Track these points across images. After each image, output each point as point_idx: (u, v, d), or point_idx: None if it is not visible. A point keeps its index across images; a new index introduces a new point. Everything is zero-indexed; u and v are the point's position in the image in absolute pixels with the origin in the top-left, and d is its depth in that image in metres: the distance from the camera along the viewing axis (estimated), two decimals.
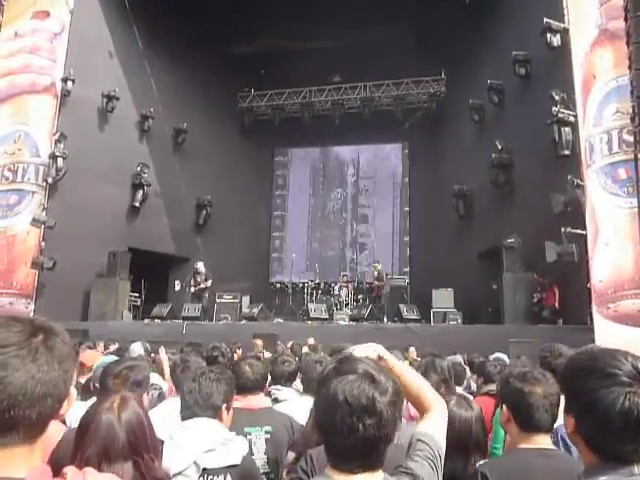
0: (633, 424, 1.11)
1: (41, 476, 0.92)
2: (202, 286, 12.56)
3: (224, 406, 2.18)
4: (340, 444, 1.22)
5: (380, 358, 1.48)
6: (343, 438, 1.20)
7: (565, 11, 9.81)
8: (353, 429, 1.19)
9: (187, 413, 2.13)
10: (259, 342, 7.88)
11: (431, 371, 3.08)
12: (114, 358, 3.49)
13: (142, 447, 1.56)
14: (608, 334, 8.17)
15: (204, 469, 1.95)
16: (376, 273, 13.55)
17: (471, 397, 2.77)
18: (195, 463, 1.94)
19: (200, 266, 12.74)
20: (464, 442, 2.07)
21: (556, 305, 9.96)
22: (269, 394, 3.34)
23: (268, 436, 2.54)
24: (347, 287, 14.06)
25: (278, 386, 3.41)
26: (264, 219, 18.29)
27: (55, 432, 2.00)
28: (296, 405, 3.05)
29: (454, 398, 2.29)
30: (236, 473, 1.99)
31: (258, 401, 2.76)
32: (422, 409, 1.51)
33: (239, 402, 2.58)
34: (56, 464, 1.02)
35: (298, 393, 3.50)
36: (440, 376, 2.79)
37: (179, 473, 1.92)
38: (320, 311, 11.95)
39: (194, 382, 2.18)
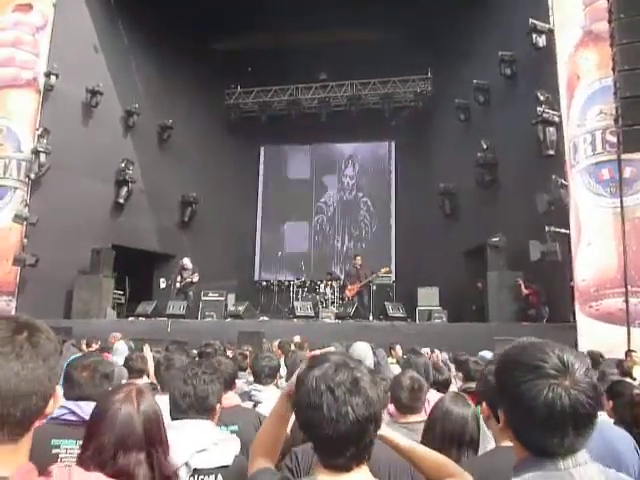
0: (556, 416, 1.09)
1: (27, 474, 0.91)
2: (189, 280, 12.46)
3: (218, 406, 2.17)
4: (330, 434, 1.20)
5: (382, 437, 1.47)
6: (333, 427, 1.20)
7: (550, 12, 9.90)
8: (342, 414, 1.20)
9: (181, 416, 2.10)
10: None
11: (409, 370, 3.16)
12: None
13: (156, 440, 1.58)
14: (591, 332, 8.29)
15: (195, 469, 1.93)
16: (358, 266, 12.76)
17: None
18: (186, 464, 1.93)
19: (187, 262, 12.64)
20: (459, 437, 2.12)
21: (538, 303, 10.10)
22: (249, 397, 3.29)
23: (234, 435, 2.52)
24: (332, 285, 14.03)
25: (258, 386, 3.36)
26: (250, 216, 18.22)
27: None
28: None
29: (450, 395, 2.32)
30: (227, 473, 1.97)
31: (225, 399, 2.73)
32: (445, 475, 1.51)
33: None
34: None
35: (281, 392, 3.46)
36: (409, 379, 2.80)
37: None
38: (306, 309, 11.95)
39: (187, 385, 2.12)
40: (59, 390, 1.00)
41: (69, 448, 2.00)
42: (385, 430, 1.50)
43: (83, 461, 1.49)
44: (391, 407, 2.79)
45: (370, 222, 17.73)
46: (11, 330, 0.92)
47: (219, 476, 1.97)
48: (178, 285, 12.56)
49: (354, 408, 1.20)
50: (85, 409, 2.05)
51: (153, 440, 1.57)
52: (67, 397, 2.17)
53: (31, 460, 0.96)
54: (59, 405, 2.14)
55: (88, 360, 2.32)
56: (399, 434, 1.56)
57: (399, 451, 1.54)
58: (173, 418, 2.10)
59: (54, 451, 1.98)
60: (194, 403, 2.09)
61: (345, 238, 17.85)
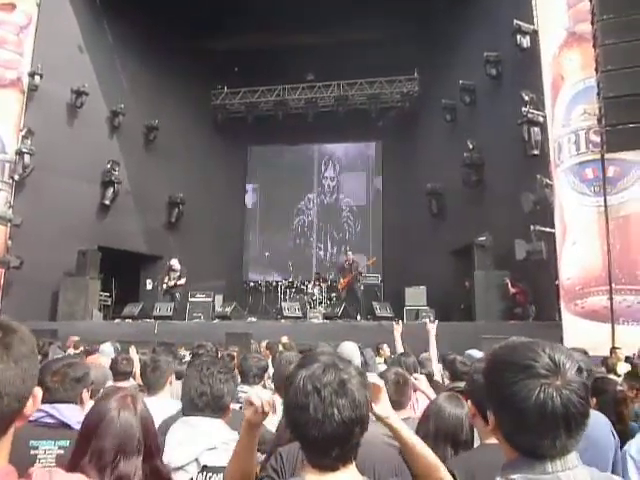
0: (548, 417, 1.07)
1: (6, 477, 0.91)
2: (174, 283, 12.36)
3: (231, 405, 2.22)
4: (316, 435, 1.21)
5: (381, 419, 1.51)
6: (318, 427, 1.20)
7: (534, 13, 9.98)
8: (327, 415, 1.20)
9: (196, 414, 2.12)
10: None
11: (395, 367, 3.18)
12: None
13: (152, 444, 1.61)
14: (575, 330, 8.36)
15: (204, 466, 1.97)
16: (350, 261, 12.92)
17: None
18: (196, 460, 1.97)
19: (175, 263, 12.54)
20: (454, 437, 2.14)
21: (525, 302, 10.18)
22: (237, 399, 3.28)
23: None
24: (320, 285, 14.05)
25: (245, 387, 3.35)
26: (237, 217, 18.17)
27: None
28: None
29: (444, 394, 2.34)
30: None
31: None
32: (431, 473, 1.54)
33: None
34: None
35: (268, 391, 3.46)
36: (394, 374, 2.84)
37: (180, 468, 1.97)
38: (294, 309, 11.94)
39: (204, 384, 2.14)
40: (38, 392, 0.99)
41: (47, 449, 2.03)
42: (389, 412, 1.51)
43: (82, 467, 1.50)
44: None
45: (354, 223, 17.76)
46: None
47: None
48: (165, 286, 12.49)
49: (340, 409, 1.20)
50: (63, 412, 2.09)
51: (149, 444, 1.60)
52: (44, 401, 2.18)
53: (9, 461, 0.96)
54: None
55: (59, 364, 2.31)
56: (403, 423, 1.57)
57: (398, 438, 1.55)
58: (185, 415, 2.13)
59: (32, 452, 2.01)
60: (210, 402, 2.12)
61: (332, 238, 17.85)
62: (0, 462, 0.92)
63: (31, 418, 2.05)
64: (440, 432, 2.15)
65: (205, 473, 1.97)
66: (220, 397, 2.14)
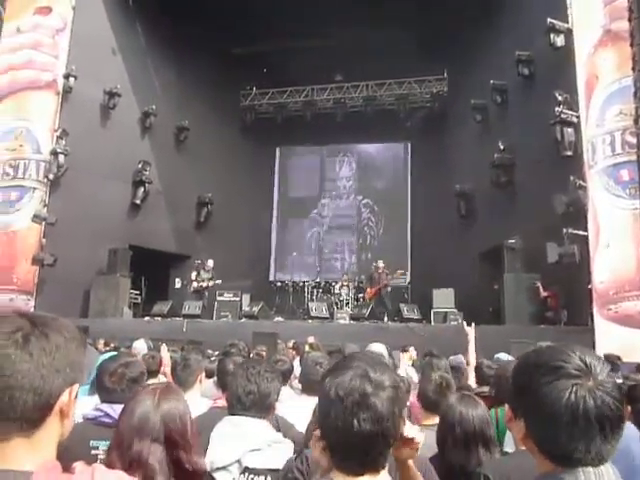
0: (581, 419, 1.02)
1: (51, 470, 0.91)
2: (207, 284, 12.47)
3: (276, 403, 2.24)
4: (338, 442, 1.20)
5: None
6: (339, 436, 1.19)
7: (569, 11, 9.79)
8: (347, 426, 1.17)
9: (242, 413, 2.14)
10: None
11: (429, 370, 3.17)
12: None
13: (177, 436, 1.59)
14: (608, 335, 8.18)
15: (246, 467, 1.98)
16: (380, 270, 12.87)
17: None
18: (239, 461, 1.98)
19: (210, 263, 12.69)
20: (482, 437, 2.12)
21: (556, 306, 9.98)
22: None
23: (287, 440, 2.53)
24: (348, 286, 14.02)
25: None
26: (265, 217, 18.28)
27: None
28: (293, 405, 3.02)
29: (458, 396, 2.31)
30: (277, 477, 1.97)
31: None
32: None
33: (223, 400, 2.58)
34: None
35: (295, 392, 3.48)
36: (438, 376, 2.82)
37: (222, 467, 1.98)
38: (320, 310, 11.94)
39: (251, 383, 2.16)
40: (74, 387, 0.99)
41: (107, 450, 2.04)
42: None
43: (109, 453, 1.55)
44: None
45: (385, 223, 17.64)
46: (15, 326, 0.93)
47: (269, 478, 1.98)
48: (195, 285, 12.58)
49: (360, 422, 1.17)
50: (119, 412, 2.10)
51: (174, 436, 1.58)
52: (102, 400, 2.26)
53: (72, 460, 0.96)
54: (95, 407, 2.21)
55: (115, 364, 2.35)
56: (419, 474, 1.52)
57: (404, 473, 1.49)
58: (231, 414, 2.15)
59: (93, 452, 2.04)
60: (257, 400, 2.14)
61: (360, 239, 17.78)
62: (44, 455, 0.93)
63: (89, 416, 2.12)
64: (469, 436, 2.13)
65: (247, 475, 1.97)
66: (267, 395, 2.16)
